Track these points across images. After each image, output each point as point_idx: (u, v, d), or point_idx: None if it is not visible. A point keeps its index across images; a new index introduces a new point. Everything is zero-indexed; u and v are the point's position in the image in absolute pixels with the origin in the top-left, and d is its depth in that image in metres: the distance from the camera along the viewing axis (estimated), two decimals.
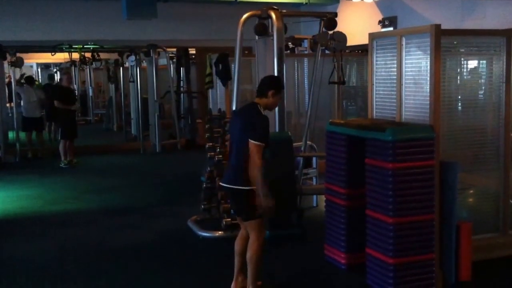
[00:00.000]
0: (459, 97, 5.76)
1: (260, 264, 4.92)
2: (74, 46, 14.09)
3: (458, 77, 5.80)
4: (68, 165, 11.82)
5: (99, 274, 5.84)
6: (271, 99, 4.88)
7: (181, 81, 15.24)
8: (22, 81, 13.55)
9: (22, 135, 13.27)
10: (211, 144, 7.08)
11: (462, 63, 5.79)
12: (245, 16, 7.46)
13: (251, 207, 4.76)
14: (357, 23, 11.54)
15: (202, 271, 5.86)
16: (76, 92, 19.74)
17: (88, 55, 15.72)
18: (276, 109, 7.15)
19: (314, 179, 8.19)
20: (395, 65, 5.43)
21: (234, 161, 4.86)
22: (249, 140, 4.65)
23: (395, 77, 5.45)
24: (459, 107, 5.81)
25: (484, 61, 5.82)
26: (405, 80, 5.39)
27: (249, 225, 4.89)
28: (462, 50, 5.79)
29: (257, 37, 7.67)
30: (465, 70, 5.87)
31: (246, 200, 4.75)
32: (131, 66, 15.33)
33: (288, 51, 11.81)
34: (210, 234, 6.79)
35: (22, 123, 13.11)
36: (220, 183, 5.08)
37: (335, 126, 5.73)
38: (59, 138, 12.05)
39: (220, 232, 6.71)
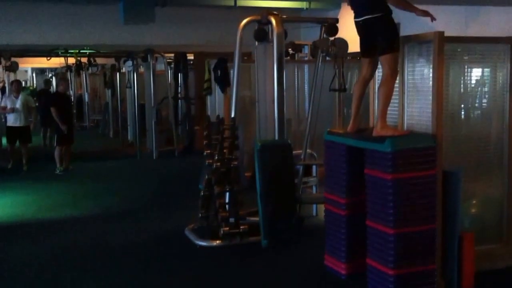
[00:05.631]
0: (463, 104, 5.67)
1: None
2: (70, 51, 13.98)
3: (462, 84, 5.71)
4: (64, 172, 11.68)
5: (94, 280, 5.76)
6: None
7: (179, 87, 15.13)
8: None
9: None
10: (209, 151, 6.97)
11: (466, 70, 5.70)
12: (244, 21, 7.38)
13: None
14: None
15: (199, 280, 5.75)
16: (72, 97, 19.62)
17: (84, 59, 15.61)
18: (276, 115, 7.09)
19: (314, 188, 8.09)
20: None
21: None
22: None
23: (397, 84, 5.35)
24: (463, 115, 5.73)
25: (488, 69, 5.72)
26: (408, 88, 5.31)
27: (386, 59, 4.93)
28: (466, 57, 5.70)
29: (256, 42, 7.58)
30: (468, 78, 5.78)
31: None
32: (128, 71, 15.23)
33: (288, 57, 11.73)
34: (208, 243, 6.68)
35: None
36: None
37: (333, 136, 5.63)
38: (55, 144, 11.88)
39: (218, 241, 6.60)
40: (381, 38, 4.92)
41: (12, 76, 13.92)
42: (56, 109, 11.37)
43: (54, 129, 12.20)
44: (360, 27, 5.09)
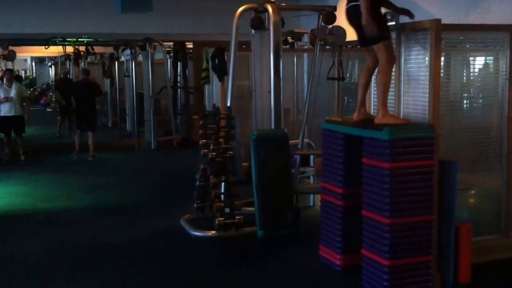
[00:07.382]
0: (463, 94, 5.59)
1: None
2: (68, 40, 13.87)
3: (463, 73, 5.63)
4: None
5: (91, 274, 5.72)
6: None
7: (178, 76, 15.02)
8: None
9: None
10: (204, 141, 6.89)
11: (467, 59, 5.61)
12: (240, 9, 7.29)
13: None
14: None
15: (194, 270, 5.72)
16: None
17: (82, 48, 15.51)
18: (272, 105, 7.01)
19: (311, 178, 8.03)
20: None
21: None
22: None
23: (393, 74, 5.26)
24: (462, 105, 5.65)
25: (489, 57, 5.62)
26: (404, 77, 5.23)
27: (378, 48, 4.84)
28: (467, 46, 5.60)
29: (253, 31, 7.48)
30: (468, 67, 5.70)
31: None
32: (126, 60, 15.10)
33: (288, 46, 11.63)
34: (203, 233, 6.63)
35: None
36: None
37: (331, 124, 5.55)
38: (94, 130, 12.30)
39: (213, 232, 6.55)
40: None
41: (10, 66, 13.80)
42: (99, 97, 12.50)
43: (95, 117, 12.60)
44: (347, 15, 5.04)
